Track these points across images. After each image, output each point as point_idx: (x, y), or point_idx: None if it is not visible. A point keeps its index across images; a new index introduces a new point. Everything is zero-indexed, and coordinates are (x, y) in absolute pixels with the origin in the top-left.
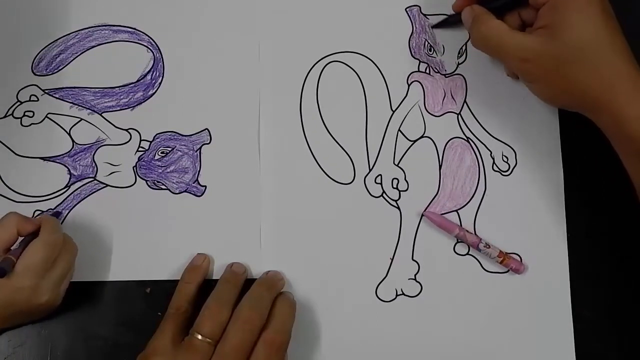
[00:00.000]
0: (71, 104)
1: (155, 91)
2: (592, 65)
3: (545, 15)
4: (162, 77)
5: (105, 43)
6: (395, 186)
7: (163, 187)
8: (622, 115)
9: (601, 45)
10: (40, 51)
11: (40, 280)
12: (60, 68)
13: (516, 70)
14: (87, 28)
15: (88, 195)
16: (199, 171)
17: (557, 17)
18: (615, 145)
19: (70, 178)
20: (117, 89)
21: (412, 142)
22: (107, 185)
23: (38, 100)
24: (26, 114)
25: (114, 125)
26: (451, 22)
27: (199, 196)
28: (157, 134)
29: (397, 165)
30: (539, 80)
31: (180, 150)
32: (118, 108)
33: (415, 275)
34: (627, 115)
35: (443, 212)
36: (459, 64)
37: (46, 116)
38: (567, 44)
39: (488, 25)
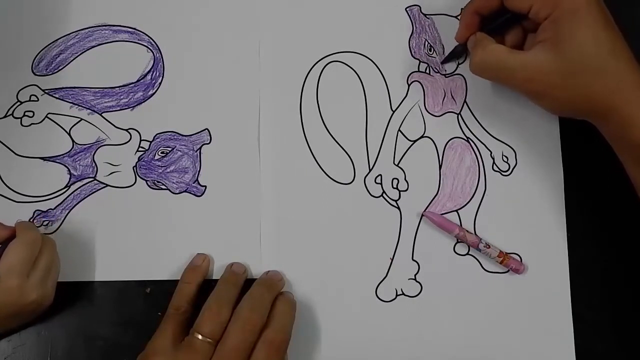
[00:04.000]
0: (71, 104)
1: (155, 91)
2: (596, 74)
3: (547, 29)
4: (162, 77)
5: (105, 43)
6: (395, 186)
7: (163, 187)
8: (627, 121)
9: (604, 54)
10: (40, 51)
11: (25, 279)
12: (60, 68)
13: (521, 91)
14: (87, 28)
15: (88, 195)
16: (199, 171)
17: (559, 30)
18: (619, 152)
19: (70, 178)
20: (117, 89)
21: (412, 142)
22: (107, 185)
23: (38, 100)
24: (26, 114)
25: (114, 125)
26: (457, 53)
27: (199, 196)
28: (157, 134)
29: (397, 165)
30: (545, 96)
31: (180, 150)
32: (118, 108)
33: (415, 275)
34: (633, 120)
35: (443, 212)
36: (459, 64)
37: (46, 116)
38: (571, 56)
39: (485, 50)
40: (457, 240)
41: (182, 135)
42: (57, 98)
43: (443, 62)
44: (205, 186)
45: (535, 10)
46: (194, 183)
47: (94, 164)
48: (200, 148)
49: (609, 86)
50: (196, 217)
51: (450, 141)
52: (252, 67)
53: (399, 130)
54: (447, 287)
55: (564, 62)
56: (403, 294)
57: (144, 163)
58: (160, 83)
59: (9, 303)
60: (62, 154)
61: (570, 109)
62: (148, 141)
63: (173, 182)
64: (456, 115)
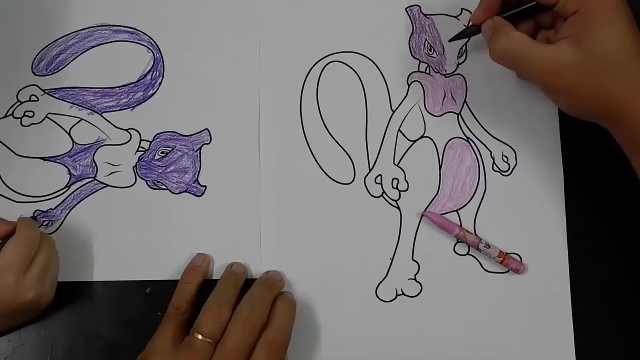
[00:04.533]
0: (71, 104)
1: (155, 91)
2: (618, 75)
3: (573, 24)
4: (162, 77)
5: (105, 43)
6: (395, 186)
7: (163, 187)
8: None
9: (628, 55)
10: (40, 51)
11: (21, 277)
12: (60, 68)
13: (540, 84)
14: (87, 28)
15: (88, 195)
16: (199, 171)
17: (585, 27)
18: (631, 156)
19: (70, 178)
20: (117, 89)
21: (412, 142)
22: (107, 185)
23: (38, 100)
24: (26, 114)
25: (114, 125)
26: (468, 33)
27: (199, 196)
28: (157, 134)
29: (397, 165)
30: (564, 92)
31: (180, 150)
32: (118, 108)
33: (415, 275)
34: None
35: (443, 212)
36: (459, 64)
37: (46, 116)
38: (595, 54)
39: (509, 38)
40: (457, 240)
41: (182, 135)
42: (57, 98)
43: (451, 40)
44: (205, 186)
45: (563, 3)
46: (194, 183)
47: (94, 164)
48: (200, 148)
49: (628, 88)
50: (196, 217)
51: (450, 141)
52: (252, 67)
53: (399, 130)
54: (447, 287)
55: (586, 59)
56: (403, 294)
57: (144, 163)
58: (160, 83)
59: (5, 301)
60: (62, 154)
61: (586, 108)
62: (148, 141)
63: (173, 182)
64: (456, 115)
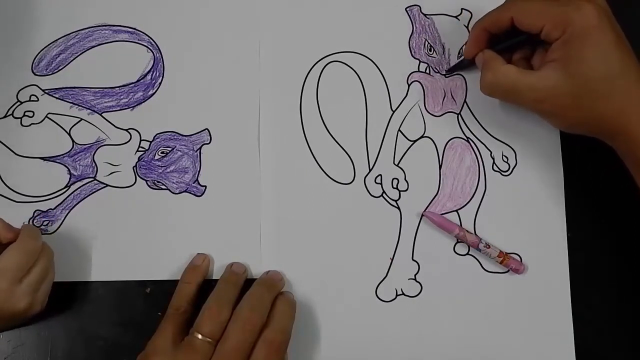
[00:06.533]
0: (71, 104)
1: (155, 91)
2: (604, 96)
3: (559, 49)
4: (162, 77)
5: (105, 43)
6: (395, 186)
7: (163, 187)
8: (634, 141)
9: (613, 76)
10: (40, 51)
11: (15, 284)
12: (60, 68)
13: (531, 110)
14: (87, 28)
15: (88, 195)
16: (199, 171)
17: (569, 51)
18: (630, 168)
19: (70, 178)
20: (117, 89)
21: (412, 142)
22: (107, 185)
23: (38, 100)
24: (26, 114)
25: (114, 125)
26: (463, 66)
27: (199, 196)
28: (157, 134)
29: (397, 165)
30: (555, 115)
31: (180, 150)
32: (118, 108)
33: (415, 275)
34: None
35: (443, 212)
36: None
37: (46, 116)
38: (581, 78)
39: (495, 73)
40: (457, 240)
41: (182, 135)
42: (57, 98)
43: (448, 72)
44: (205, 186)
45: (547, 31)
46: (194, 183)
47: (94, 164)
48: (200, 148)
49: (616, 108)
50: (196, 217)
51: (450, 141)
52: (252, 67)
53: (399, 130)
54: (447, 287)
55: (573, 83)
56: (403, 294)
57: (144, 163)
58: (160, 83)
59: None
60: (62, 154)
61: (580, 128)
62: (148, 141)
63: (173, 182)
64: (456, 115)
